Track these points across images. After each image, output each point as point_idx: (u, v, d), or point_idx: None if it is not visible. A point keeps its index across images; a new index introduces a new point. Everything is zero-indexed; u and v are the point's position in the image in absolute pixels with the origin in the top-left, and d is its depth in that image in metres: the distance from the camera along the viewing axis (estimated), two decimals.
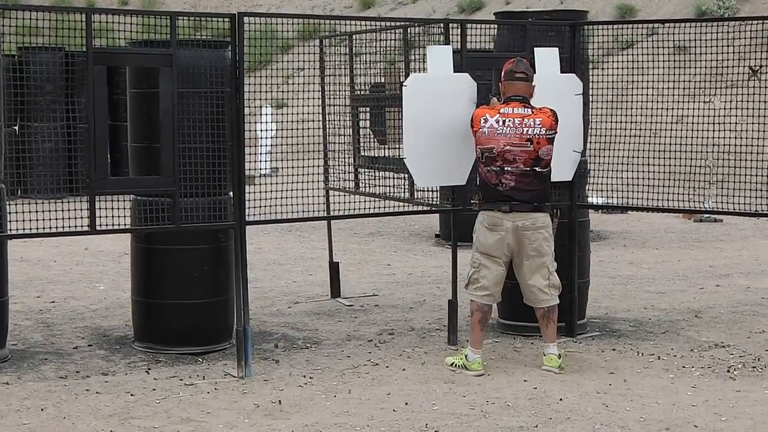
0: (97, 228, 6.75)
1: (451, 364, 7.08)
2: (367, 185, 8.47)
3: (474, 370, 6.97)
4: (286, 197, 7.50)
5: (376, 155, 8.69)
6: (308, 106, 8.51)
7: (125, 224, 7.30)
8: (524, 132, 6.95)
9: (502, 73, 7.16)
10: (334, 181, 8.95)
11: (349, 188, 8.59)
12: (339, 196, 8.56)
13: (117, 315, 8.71)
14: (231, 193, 7.27)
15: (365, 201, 8.28)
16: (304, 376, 6.95)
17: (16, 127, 13.87)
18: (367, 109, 9.13)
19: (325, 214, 8.80)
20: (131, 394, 6.52)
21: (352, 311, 9.01)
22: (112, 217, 7.02)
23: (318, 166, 8.53)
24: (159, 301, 7.52)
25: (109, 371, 7.10)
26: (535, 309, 7.19)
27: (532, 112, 7.01)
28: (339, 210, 8.50)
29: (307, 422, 6.02)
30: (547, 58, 7.73)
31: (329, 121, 9.00)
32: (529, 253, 7.07)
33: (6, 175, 7.29)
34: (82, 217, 6.78)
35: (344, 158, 8.85)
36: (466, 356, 7.04)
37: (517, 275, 7.20)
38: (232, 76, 6.99)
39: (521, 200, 7.00)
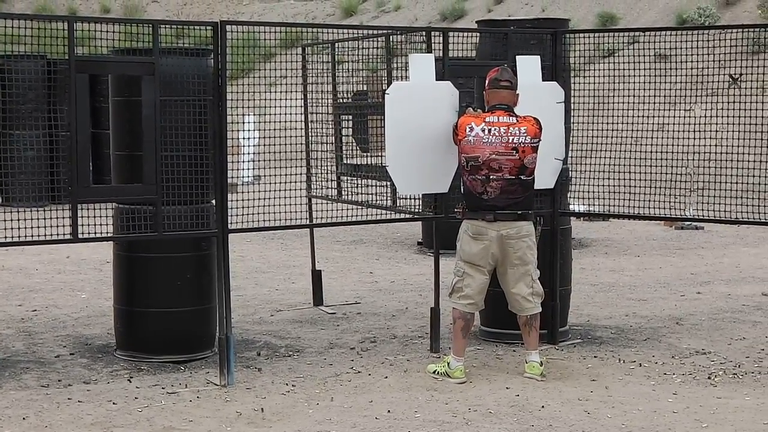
0: (80, 236, 6.74)
1: (434, 372, 7.09)
2: (349, 193, 8.48)
3: (456, 377, 6.98)
4: (269, 205, 7.51)
5: (359, 163, 8.70)
6: (291, 114, 8.51)
7: (107, 232, 7.30)
8: (510, 141, 6.97)
9: (487, 82, 7.17)
10: (316, 189, 8.96)
11: (332, 196, 8.60)
12: (321, 203, 8.58)
13: (99, 323, 8.69)
14: (213, 201, 7.27)
15: (348, 209, 8.30)
16: (287, 384, 6.95)
17: None
18: (350, 117, 9.14)
19: (308, 222, 8.81)
20: (113, 403, 6.50)
21: (334, 319, 9.01)
22: (95, 225, 7.02)
23: (300, 174, 8.55)
24: (141, 309, 7.50)
25: (91, 380, 7.08)
26: (517, 316, 7.21)
27: (517, 121, 7.02)
28: (321, 218, 8.50)
29: (289, 430, 6.03)
30: (528, 66, 7.76)
31: (312, 129, 9.01)
32: (513, 261, 7.09)
33: None
34: (64, 225, 6.77)
35: (327, 166, 8.86)
36: (448, 364, 7.05)
37: (501, 283, 7.22)
38: (215, 84, 6.99)
39: (506, 209, 7.02)
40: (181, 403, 6.54)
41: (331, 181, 8.73)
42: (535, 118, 7.08)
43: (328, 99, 8.93)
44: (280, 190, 8.07)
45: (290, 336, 8.36)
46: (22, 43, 7.05)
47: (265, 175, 8.49)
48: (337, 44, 8.67)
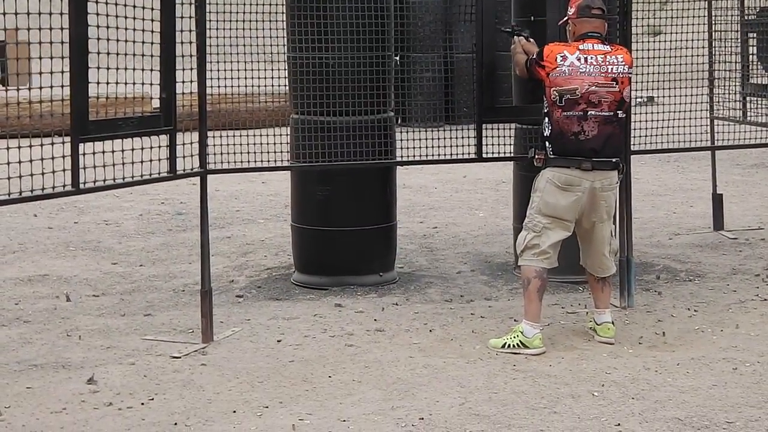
0: (483, 156, 6.90)
1: (503, 346, 6.09)
2: (756, 114, 8.12)
3: (535, 347, 6.05)
4: (666, 126, 7.30)
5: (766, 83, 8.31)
6: (688, 32, 8.23)
7: (508, 152, 7.39)
8: (609, 70, 6.11)
9: (574, 9, 6.27)
10: (719, 110, 8.65)
11: (737, 117, 8.28)
12: (723, 125, 8.29)
13: (497, 242, 8.86)
14: None
15: (752, 131, 7.98)
16: (688, 309, 6.81)
17: (397, 58, 14.32)
18: (755, 34, 8.73)
19: (710, 144, 8.55)
20: (514, 320, 6.58)
21: (736, 244, 8.70)
22: (494, 145, 7.13)
23: (700, 95, 8.27)
24: None
25: (491, 297, 7.24)
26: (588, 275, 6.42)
27: (612, 49, 6.21)
28: (724, 140, 8.23)
29: (693, 356, 5.88)
30: None
31: (716, 47, 8.69)
32: (602, 216, 6.21)
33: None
34: (468, 145, 6.94)
35: (731, 86, 8.52)
36: (522, 332, 6.11)
37: (583, 240, 6.35)
38: (621, 1, 6.89)
39: (602, 154, 6.13)
40: (581, 323, 6.55)
41: (736, 101, 8.39)
42: (624, 47, 6.39)
43: (733, 15, 8.58)
44: (678, 111, 7.89)
45: (690, 260, 8.17)
46: None
47: (659, 96, 8.30)
48: None
